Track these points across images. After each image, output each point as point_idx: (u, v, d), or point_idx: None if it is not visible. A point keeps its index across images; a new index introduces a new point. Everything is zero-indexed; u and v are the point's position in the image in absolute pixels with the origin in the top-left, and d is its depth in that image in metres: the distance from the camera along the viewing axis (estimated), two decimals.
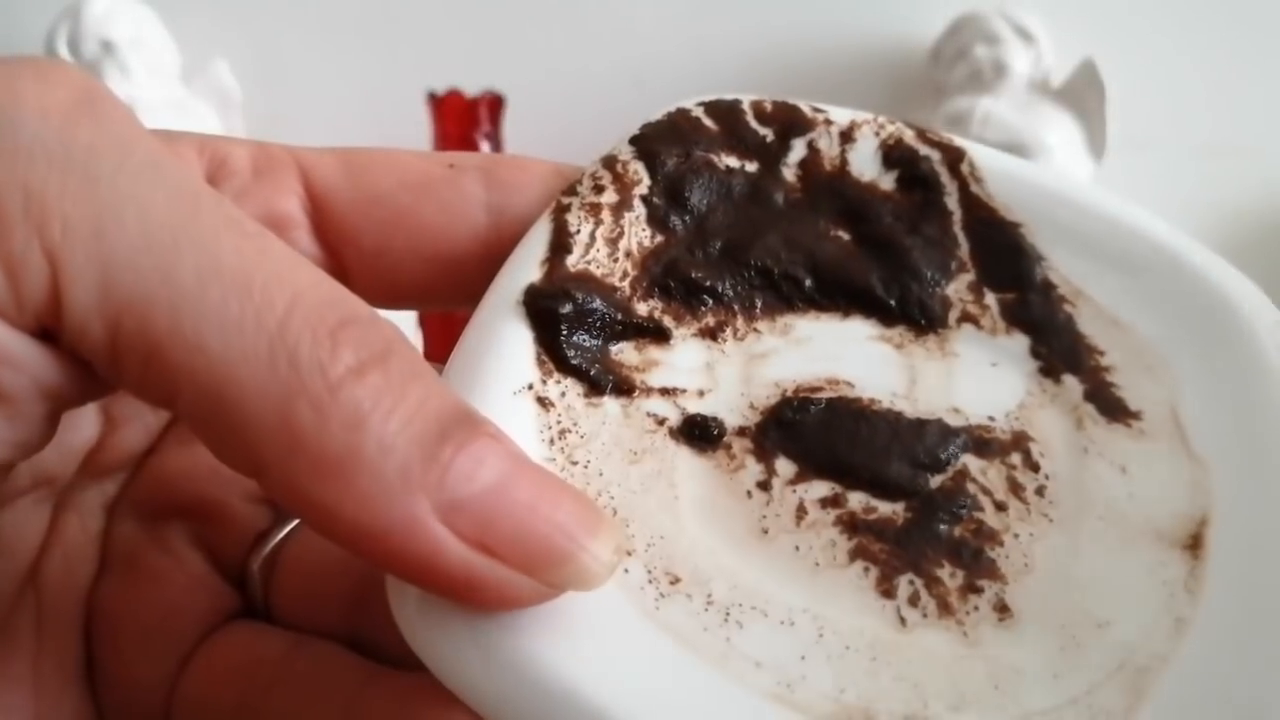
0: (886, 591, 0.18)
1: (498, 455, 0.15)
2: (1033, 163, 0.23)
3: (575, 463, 0.19)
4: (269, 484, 0.14)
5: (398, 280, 0.21)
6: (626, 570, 0.18)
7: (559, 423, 0.19)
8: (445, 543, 0.14)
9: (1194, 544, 0.19)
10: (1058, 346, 0.21)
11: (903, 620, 0.18)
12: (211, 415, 0.14)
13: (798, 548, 0.19)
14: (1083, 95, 0.67)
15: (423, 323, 0.65)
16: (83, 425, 0.21)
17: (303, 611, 0.22)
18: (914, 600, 0.18)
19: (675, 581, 0.18)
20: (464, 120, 0.67)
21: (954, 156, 0.22)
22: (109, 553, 0.21)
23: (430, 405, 0.15)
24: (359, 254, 0.20)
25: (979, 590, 0.18)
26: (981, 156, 0.23)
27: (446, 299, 0.22)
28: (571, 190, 0.21)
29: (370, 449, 0.14)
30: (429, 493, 0.14)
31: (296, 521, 0.22)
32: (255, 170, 0.20)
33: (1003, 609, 0.18)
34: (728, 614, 0.18)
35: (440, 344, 0.64)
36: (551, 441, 0.19)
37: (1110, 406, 0.21)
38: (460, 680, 0.16)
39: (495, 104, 0.67)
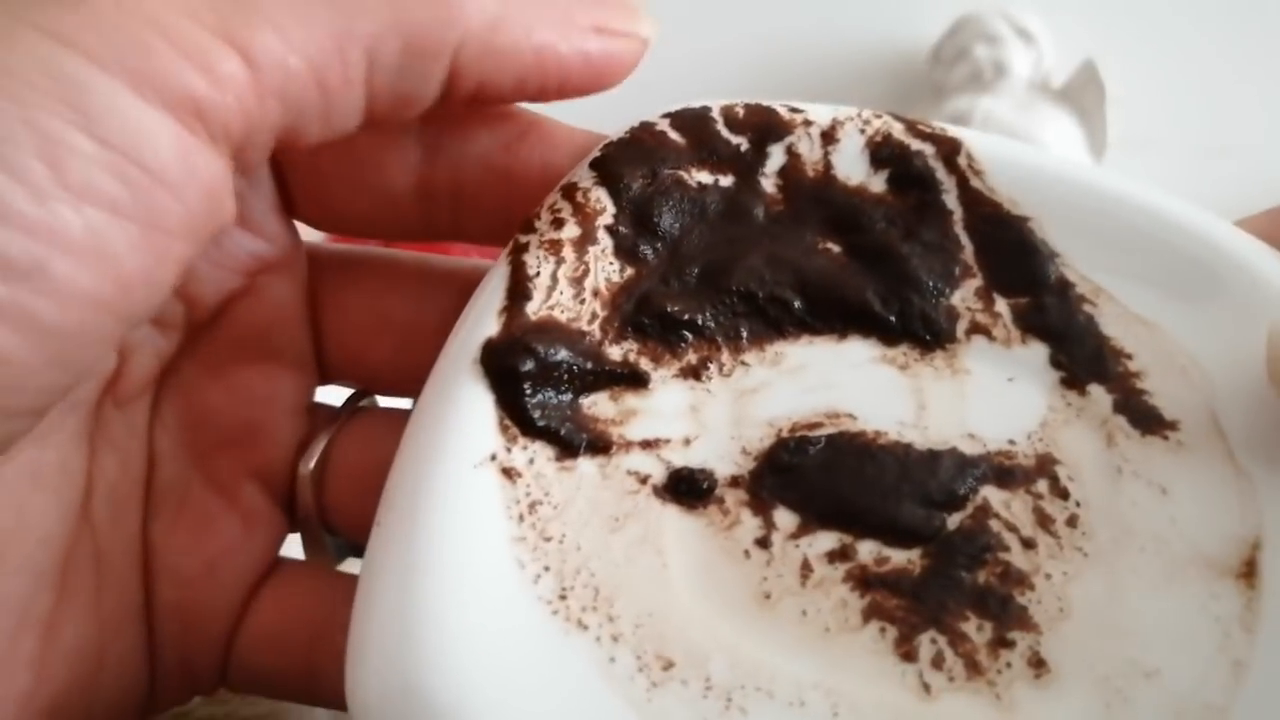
0: (907, 654, 0.16)
1: None
2: (1035, 147, 0.21)
3: (549, 539, 0.17)
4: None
5: (334, 204, 0.22)
6: (613, 660, 0.16)
7: (528, 495, 0.17)
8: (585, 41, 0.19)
9: (1248, 571, 0.17)
10: (1080, 353, 0.19)
11: (926, 687, 0.16)
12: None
13: (805, 612, 0.17)
14: (1083, 95, 0.67)
15: None
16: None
17: (356, 512, 0.21)
18: (938, 662, 0.16)
19: (668, 666, 0.16)
20: None
21: (949, 149, 0.20)
22: (158, 491, 0.21)
23: None
24: (299, 173, 0.21)
25: (1010, 644, 0.17)
26: (979, 146, 0.20)
27: (383, 229, 0.22)
28: (529, 227, 0.19)
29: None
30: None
31: (339, 424, 0.22)
32: None
33: (1038, 664, 0.16)
34: (729, 699, 0.16)
35: None
36: (521, 517, 0.17)
37: (1143, 417, 0.19)
38: None
39: None
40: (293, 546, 0.23)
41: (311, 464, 0.22)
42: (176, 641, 0.21)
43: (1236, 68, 0.71)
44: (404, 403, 0.24)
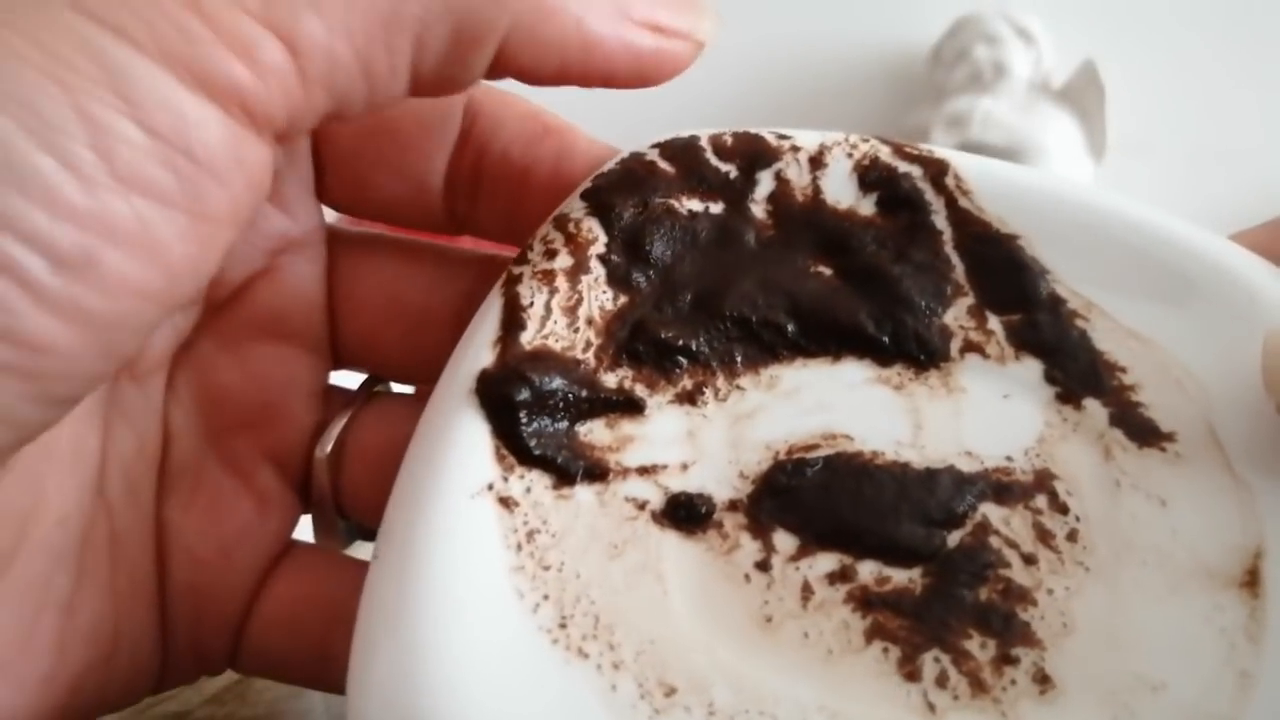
0: (910, 674, 0.16)
1: None
2: (1023, 165, 0.21)
3: (548, 567, 0.17)
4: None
5: (366, 186, 0.22)
6: (615, 688, 0.16)
7: (525, 524, 0.17)
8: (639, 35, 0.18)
9: (1251, 580, 0.17)
10: (1074, 369, 0.19)
11: (931, 706, 0.16)
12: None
13: (807, 634, 0.17)
14: (1083, 96, 0.67)
15: None
16: None
17: (372, 496, 0.21)
18: (942, 681, 0.16)
19: (671, 693, 0.16)
20: None
21: (937, 170, 0.20)
22: (173, 471, 0.21)
23: None
24: (336, 152, 0.21)
25: (1014, 661, 0.16)
26: (967, 166, 0.20)
27: (406, 216, 0.22)
28: (522, 258, 0.20)
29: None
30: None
31: (355, 408, 0.22)
32: None
33: (1043, 680, 0.16)
34: None
35: None
36: (519, 546, 0.17)
37: (1140, 430, 0.19)
38: None
39: None
40: (303, 529, 0.23)
41: (328, 448, 0.22)
42: (189, 622, 0.21)
43: (1236, 70, 0.72)
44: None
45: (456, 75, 0.17)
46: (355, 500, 0.22)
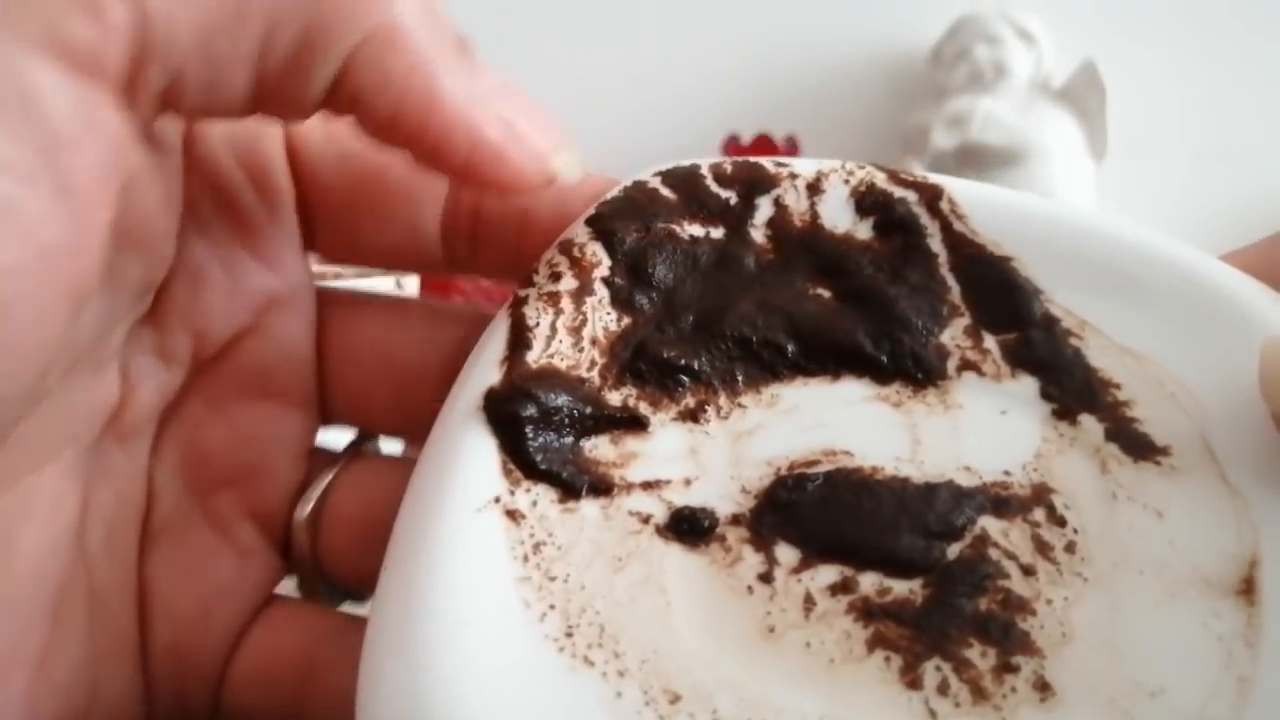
0: (912, 682, 0.17)
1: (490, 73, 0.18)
2: (1015, 190, 0.22)
3: (553, 578, 0.17)
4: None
5: (358, 235, 0.22)
6: (620, 695, 0.16)
7: (532, 536, 0.17)
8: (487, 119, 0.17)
9: (1247, 588, 0.17)
10: (1069, 385, 0.20)
11: (933, 714, 0.16)
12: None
13: (809, 644, 0.17)
14: (1083, 96, 0.67)
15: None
16: (105, 385, 0.20)
17: (350, 559, 0.22)
18: (943, 689, 0.16)
19: (675, 700, 0.16)
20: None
21: (931, 194, 0.21)
22: (155, 527, 0.21)
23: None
24: (326, 206, 0.21)
25: (1014, 669, 0.17)
26: (961, 191, 0.21)
27: (399, 261, 0.22)
28: (528, 281, 0.20)
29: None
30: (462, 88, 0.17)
31: (337, 470, 0.22)
32: None
33: (1043, 687, 0.16)
34: None
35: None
36: (525, 558, 0.17)
37: (1135, 444, 0.19)
38: None
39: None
40: (286, 583, 0.23)
41: (308, 509, 0.22)
42: (171, 678, 0.21)
43: (1236, 69, 0.72)
44: (399, 446, 0.24)
45: (297, 90, 0.17)
46: (334, 561, 0.22)
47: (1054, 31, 0.69)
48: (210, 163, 0.20)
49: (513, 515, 0.18)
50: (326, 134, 0.21)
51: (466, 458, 0.18)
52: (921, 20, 0.72)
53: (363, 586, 0.21)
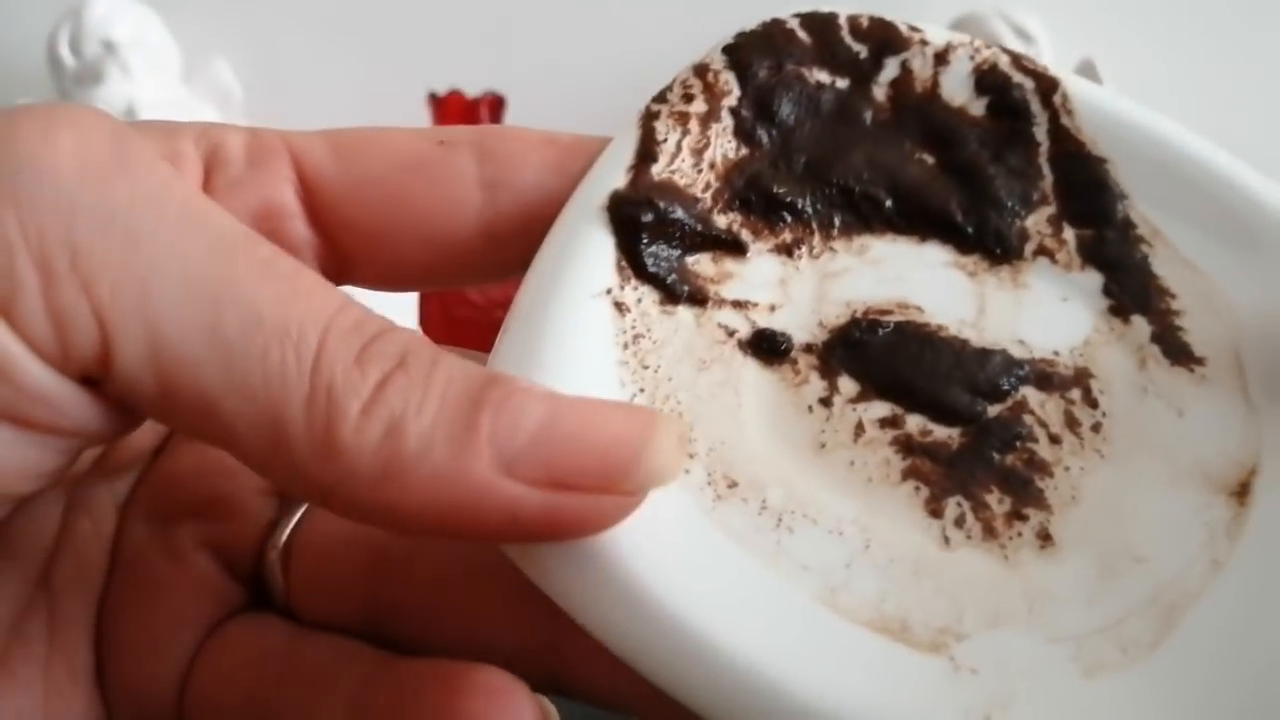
0: (935, 511, 0.19)
1: (535, 400, 0.16)
2: (1130, 99, 0.23)
3: (646, 367, 0.20)
4: (336, 504, 0.15)
5: (397, 263, 0.21)
6: (688, 471, 0.19)
7: (634, 328, 0.20)
8: (520, 494, 0.15)
9: (1241, 491, 0.19)
10: (1130, 286, 0.21)
11: (947, 540, 0.19)
12: (268, 452, 0.15)
13: (853, 463, 0.20)
14: None
15: (422, 321, 0.65)
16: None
17: (320, 596, 0.22)
18: (960, 522, 0.19)
19: (733, 485, 0.19)
20: (465, 120, 0.65)
21: (1048, 86, 0.22)
22: (119, 557, 0.21)
23: (456, 384, 0.16)
24: (355, 238, 0.21)
25: (1024, 518, 0.19)
26: (1076, 89, 0.22)
27: (448, 278, 0.22)
28: (661, 97, 0.22)
29: (413, 445, 0.15)
30: (484, 458, 0.15)
31: (305, 507, 0.22)
32: (249, 159, 0.20)
33: (1045, 537, 0.19)
34: (780, 519, 0.19)
35: (437, 332, 0.62)
36: (625, 345, 0.20)
37: (1175, 349, 0.21)
38: (553, 586, 0.17)
39: (496, 104, 0.67)
40: None
41: (278, 548, 0.22)
42: (129, 709, 0.21)
43: (1236, 69, 0.70)
44: None
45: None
46: (302, 601, 0.22)
47: (1052, 31, 0.67)
48: None
49: (620, 307, 0.20)
50: (341, 167, 0.20)
51: (587, 250, 0.20)
52: (920, 20, 0.70)
53: (329, 622, 0.21)
